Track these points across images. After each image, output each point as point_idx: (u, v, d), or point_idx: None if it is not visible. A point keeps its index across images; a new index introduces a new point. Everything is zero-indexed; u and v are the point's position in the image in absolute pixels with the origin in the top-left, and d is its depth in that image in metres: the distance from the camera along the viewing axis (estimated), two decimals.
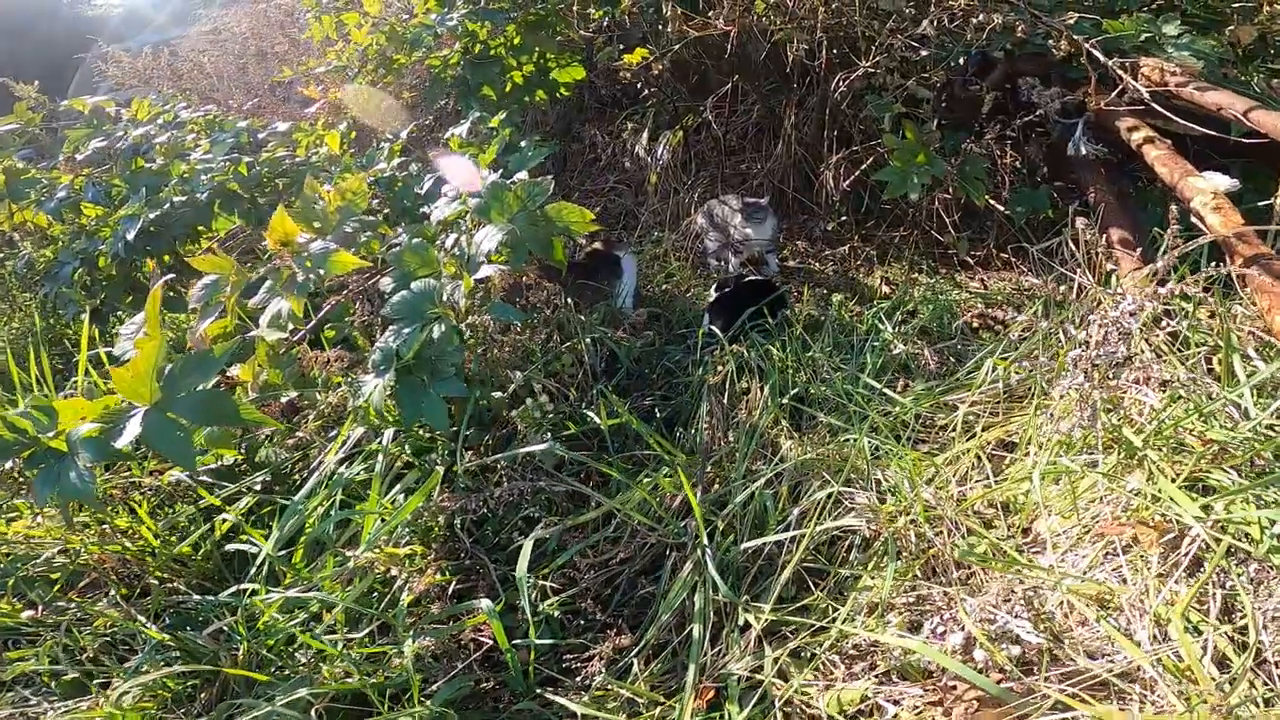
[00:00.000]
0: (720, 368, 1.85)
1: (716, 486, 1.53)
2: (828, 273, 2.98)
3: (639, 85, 3.88)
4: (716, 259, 3.06)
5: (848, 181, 3.08)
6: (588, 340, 1.93)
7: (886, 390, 1.73)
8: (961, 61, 2.73)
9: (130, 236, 2.30)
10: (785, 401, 1.71)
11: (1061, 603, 1.26)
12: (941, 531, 1.40)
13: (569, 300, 2.17)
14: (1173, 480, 1.23)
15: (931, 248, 2.94)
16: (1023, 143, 2.66)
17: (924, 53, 2.55)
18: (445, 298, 1.36)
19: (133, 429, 1.20)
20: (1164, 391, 1.35)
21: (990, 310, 2.61)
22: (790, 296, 2.59)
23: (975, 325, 2.30)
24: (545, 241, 1.54)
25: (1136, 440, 1.29)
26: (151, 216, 2.37)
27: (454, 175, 2.20)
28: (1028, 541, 1.47)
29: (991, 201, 2.46)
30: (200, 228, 2.56)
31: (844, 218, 3.24)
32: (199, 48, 4.22)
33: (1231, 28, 2.75)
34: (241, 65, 3.89)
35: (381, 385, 1.38)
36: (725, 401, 1.77)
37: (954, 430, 1.63)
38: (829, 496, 1.43)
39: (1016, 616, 1.16)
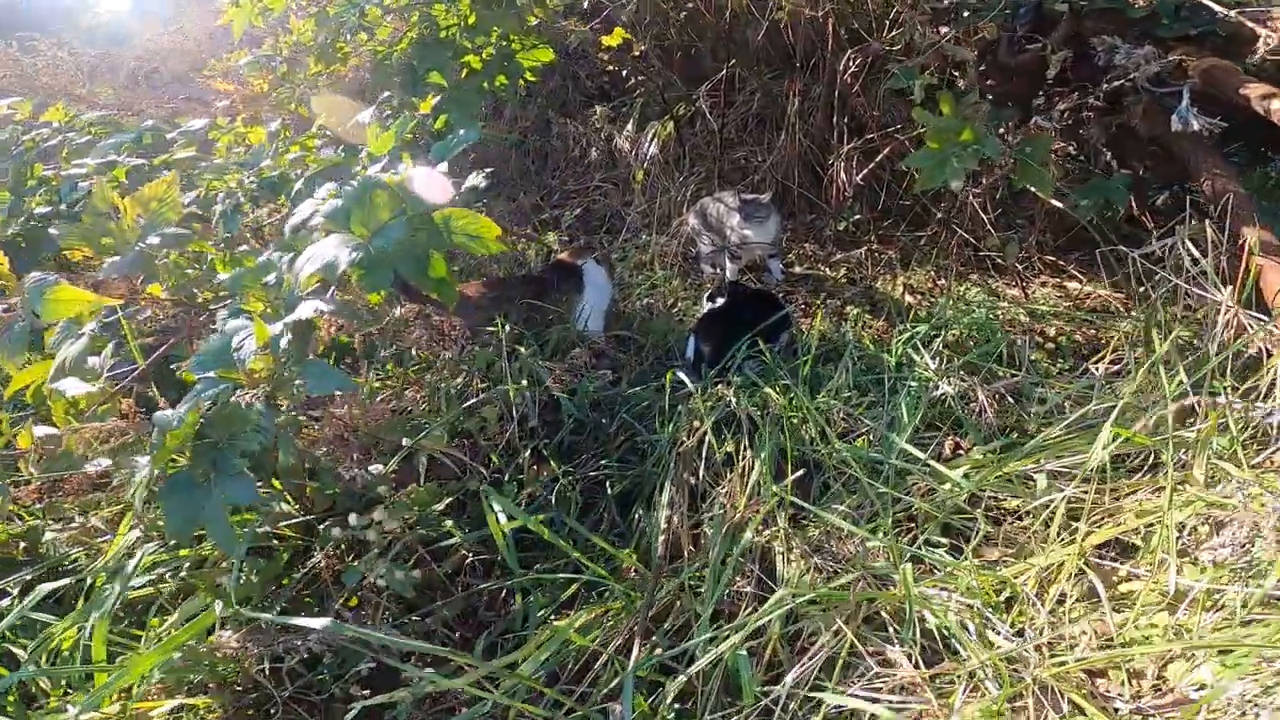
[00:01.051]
0: (698, 423, 1.30)
1: (672, 622, 0.98)
2: (841, 280, 2.42)
3: (625, 74, 3.37)
4: (711, 264, 2.51)
5: (861, 175, 2.52)
6: (521, 384, 1.40)
7: (932, 462, 1.17)
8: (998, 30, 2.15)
9: None
10: (783, 488, 1.15)
11: None
12: (1025, 707, 0.85)
13: (509, 327, 1.64)
14: None
15: (962, 249, 2.37)
16: (1086, 121, 2.08)
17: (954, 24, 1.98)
18: (238, 353, 0.84)
19: None
20: None
21: (1039, 326, 2.05)
22: (795, 315, 2.04)
23: (1018, 342, 1.73)
24: (421, 260, 1.01)
25: None
26: (10, 232, 1.90)
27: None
28: (1163, 705, 0.91)
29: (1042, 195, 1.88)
30: None
31: (858, 216, 2.68)
32: (139, 54, 3.77)
33: None
34: (153, 68, 3.43)
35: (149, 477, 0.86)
36: (703, 474, 1.22)
37: (1035, 519, 1.07)
38: (841, 646, 0.88)
39: None
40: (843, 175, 2.51)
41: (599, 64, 3.52)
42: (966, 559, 1.01)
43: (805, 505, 1.13)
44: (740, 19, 3.06)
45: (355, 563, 1.03)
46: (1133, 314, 1.63)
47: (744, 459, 1.19)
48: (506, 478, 1.27)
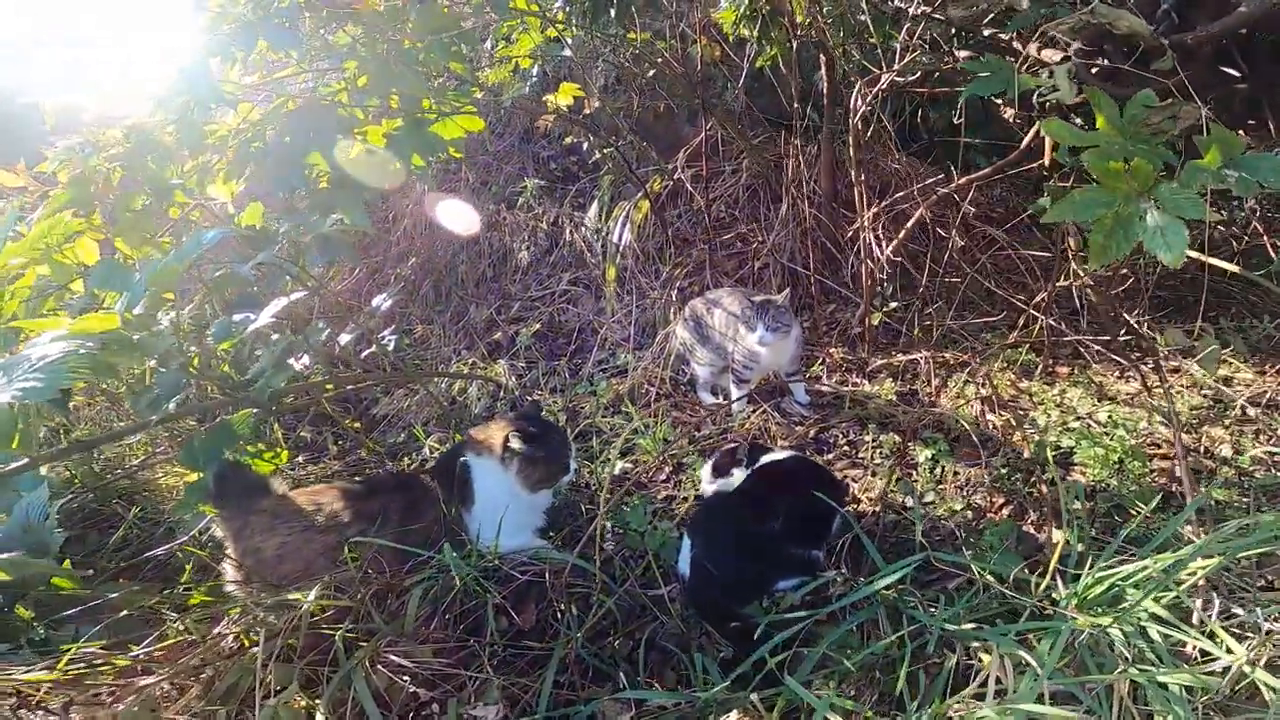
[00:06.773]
0: None
1: None
2: (889, 398, 1.69)
3: (586, 147, 2.73)
4: (711, 391, 1.80)
5: (891, 247, 1.82)
6: None
7: None
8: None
9: None
10: None
11: None
12: None
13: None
14: None
15: (1049, 331, 1.66)
16: None
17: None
18: None
19: None
20: None
21: (1194, 439, 1.30)
22: (844, 487, 1.28)
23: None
24: None
25: None
26: None
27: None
28: None
29: (1236, 267, 1.15)
30: None
31: (894, 303, 1.97)
32: None
33: None
34: None
35: None
36: None
37: None
38: None
39: None
40: (875, 248, 1.81)
41: (560, 140, 2.91)
42: None
43: None
44: (713, 73, 2.43)
45: None
46: None
47: None
48: None
